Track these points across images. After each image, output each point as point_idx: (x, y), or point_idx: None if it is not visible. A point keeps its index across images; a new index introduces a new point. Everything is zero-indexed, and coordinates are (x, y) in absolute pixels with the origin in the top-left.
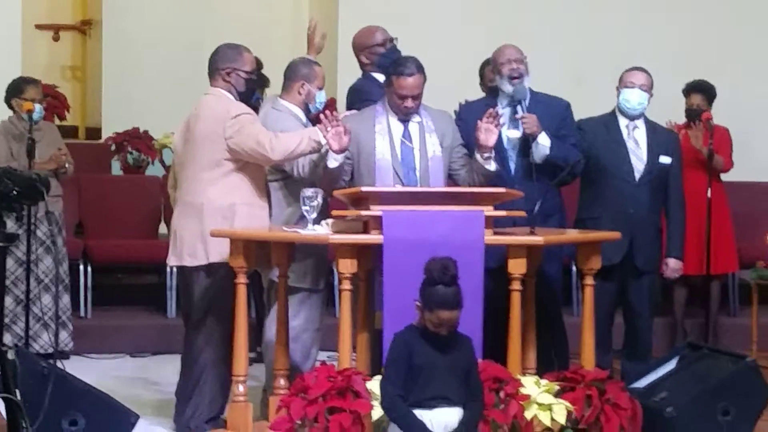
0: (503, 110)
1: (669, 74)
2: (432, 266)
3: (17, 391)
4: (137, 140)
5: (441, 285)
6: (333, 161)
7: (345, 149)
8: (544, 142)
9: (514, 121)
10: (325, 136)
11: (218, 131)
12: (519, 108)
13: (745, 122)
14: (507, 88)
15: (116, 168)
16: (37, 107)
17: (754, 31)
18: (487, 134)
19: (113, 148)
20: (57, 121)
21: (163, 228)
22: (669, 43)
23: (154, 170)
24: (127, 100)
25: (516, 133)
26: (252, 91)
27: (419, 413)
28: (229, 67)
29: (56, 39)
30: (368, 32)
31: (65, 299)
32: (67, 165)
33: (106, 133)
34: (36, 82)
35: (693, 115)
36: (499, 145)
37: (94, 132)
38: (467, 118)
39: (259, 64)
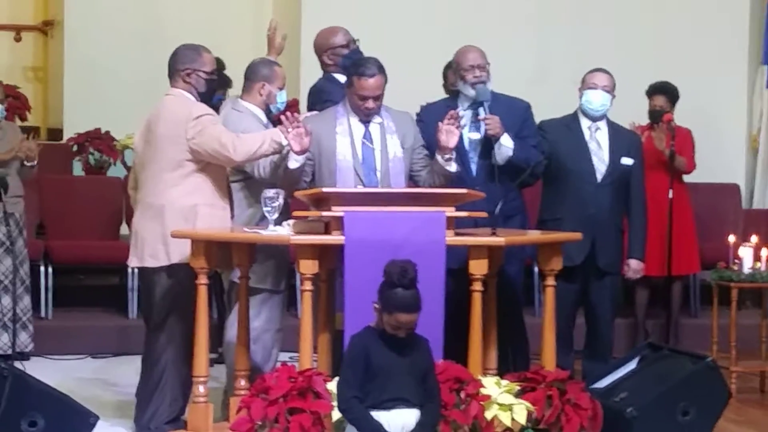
0: (464, 112)
1: (632, 75)
2: (391, 269)
3: None
4: (99, 141)
5: (400, 288)
6: (294, 162)
7: (306, 150)
8: (507, 144)
9: (475, 123)
10: (286, 137)
11: (180, 132)
12: (481, 110)
13: (709, 124)
14: (469, 92)
15: (78, 169)
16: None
17: (717, 33)
18: (448, 136)
19: (75, 148)
20: (18, 122)
21: (124, 229)
22: (632, 44)
23: (116, 171)
24: (88, 100)
25: (477, 135)
26: (213, 92)
27: (377, 415)
28: (188, 68)
29: (18, 39)
30: (330, 33)
31: (26, 300)
32: (35, 161)
33: (68, 133)
34: None
35: (656, 116)
36: (460, 147)
37: (56, 132)
38: (428, 119)
39: (221, 65)
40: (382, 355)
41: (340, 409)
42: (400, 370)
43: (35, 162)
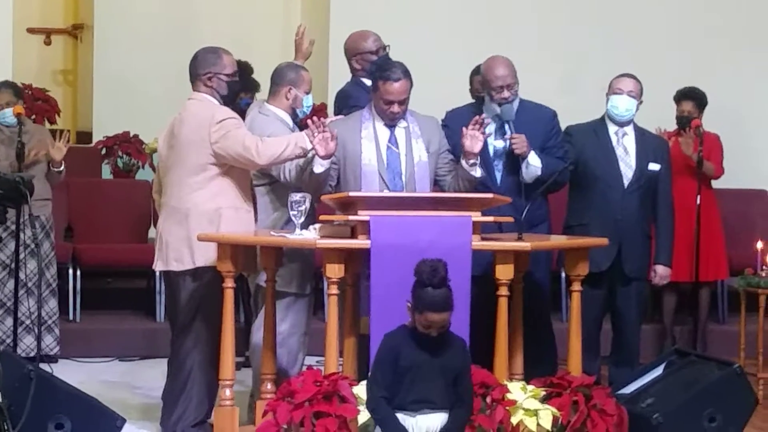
0: (489, 122)
1: (660, 81)
2: (422, 268)
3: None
4: (127, 144)
5: (430, 287)
6: (319, 166)
7: (331, 155)
8: (534, 163)
9: (500, 131)
10: (311, 141)
11: (203, 136)
12: (507, 128)
13: (737, 129)
14: (495, 109)
15: (106, 172)
16: (8, 111)
17: (746, 38)
18: (472, 141)
19: (103, 152)
20: (48, 125)
21: (152, 232)
22: (659, 49)
23: (144, 174)
24: (117, 104)
25: (501, 143)
26: (235, 94)
27: (402, 418)
28: (209, 71)
29: (48, 43)
30: (361, 37)
31: (52, 303)
32: (61, 167)
33: (97, 137)
34: (10, 85)
35: (683, 122)
36: (484, 155)
37: (85, 136)
38: (453, 124)
39: (249, 69)
40: (411, 355)
41: (368, 409)
42: (430, 370)
43: (62, 168)
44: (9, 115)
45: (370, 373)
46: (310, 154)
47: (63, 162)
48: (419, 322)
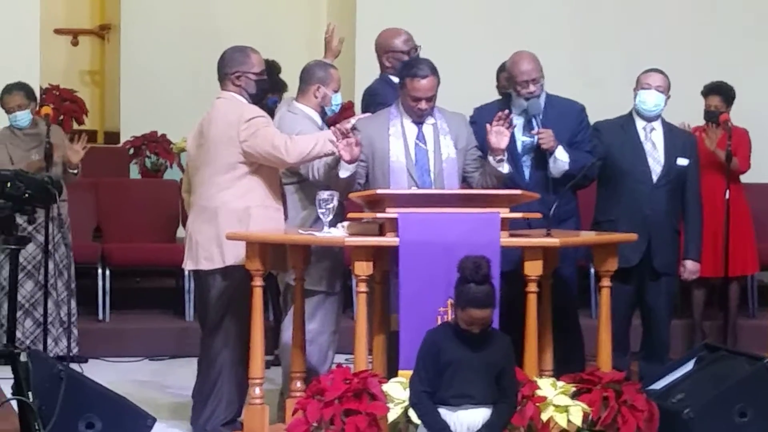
0: (517, 118)
1: (687, 75)
2: (465, 264)
3: (30, 394)
4: (155, 144)
5: (473, 283)
6: (345, 171)
7: (356, 160)
8: (562, 158)
9: (528, 127)
10: (336, 147)
11: (232, 135)
12: (534, 123)
13: (765, 123)
14: (522, 104)
15: (134, 172)
16: (20, 114)
17: None
18: (498, 137)
19: (131, 152)
20: (75, 126)
21: (181, 232)
22: (686, 44)
23: (172, 174)
24: (145, 104)
25: (529, 138)
26: (264, 92)
27: (444, 413)
28: (237, 70)
29: (75, 44)
30: (394, 35)
31: (72, 304)
32: (77, 169)
33: (125, 137)
34: (21, 86)
35: (711, 116)
36: (512, 151)
37: (113, 136)
38: (481, 121)
39: (276, 69)
40: (452, 351)
41: (410, 403)
42: (472, 366)
43: (77, 170)
44: (21, 117)
45: (413, 370)
46: (338, 153)
47: (79, 164)
48: (462, 318)
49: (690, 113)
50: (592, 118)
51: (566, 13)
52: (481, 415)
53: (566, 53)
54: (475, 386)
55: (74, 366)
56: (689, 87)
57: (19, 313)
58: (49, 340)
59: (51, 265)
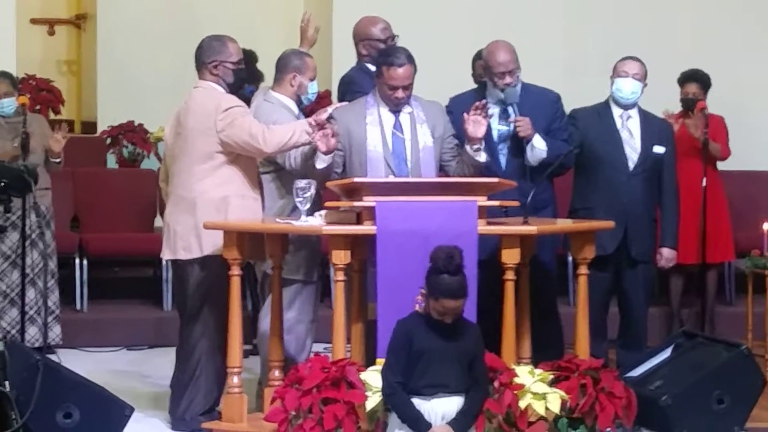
0: (493, 107)
1: (663, 63)
2: (437, 255)
3: (6, 383)
4: (132, 134)
5: (446, 274)
6: (321, 162)
7: (332, 151)
8: (539, 146)
9: (503, 115)
10: (312, 138)
11: (209, 125)
12: (510, 111)
13: (741, 111)
14: (498, 94)
15: (112, 161)
16: (6, 101)
17: (751, 18)
18: (475, 126)
19: (108, 141)
20: (52, 115)
21: (158, 221)
22: (663, 31)
23: (150, 164)
24: (122, 93)
25: (505, 127)
26: (242, 82)
27: (418, 402)
28: (215, 59)
29: (51, 33)
30: (371, 23)
31: (57, 294)
32: (59, 158)
33: (102, 126)
34: (7, 75)
35: (689, 104)
36: (489, 140)
37: (90, 126)
38: (456, 110)
39: (254, 58)
40: (424, 340)
41: (384, 395)
42: (444, 355)
43: (60, 159)
44: (7, 105)
45: (384, 360)
46: (314, 145)
47: (61, 153)
48: (434, 308)
49: (667, 101)
50: (569, 106)
51: (543, 1)
52: (455, 403)
53: (545, 41)
54: (449, 375)
55: (51, 356)
56: (666, 74)
57: (3, 303)
58: (35, 330)
59: (35, 255)
